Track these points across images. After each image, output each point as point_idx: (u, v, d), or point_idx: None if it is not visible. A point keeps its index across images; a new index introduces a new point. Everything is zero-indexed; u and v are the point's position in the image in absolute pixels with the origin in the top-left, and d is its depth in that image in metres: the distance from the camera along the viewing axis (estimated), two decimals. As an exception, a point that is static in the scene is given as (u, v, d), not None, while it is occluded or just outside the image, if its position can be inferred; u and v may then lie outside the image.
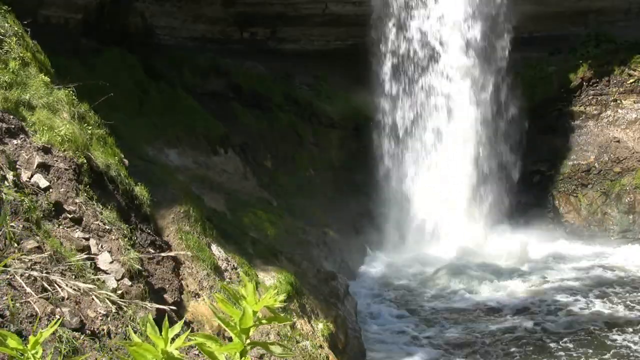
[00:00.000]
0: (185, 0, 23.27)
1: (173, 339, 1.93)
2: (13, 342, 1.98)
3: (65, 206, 7.52)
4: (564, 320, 16.59)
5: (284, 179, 21.79)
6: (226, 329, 1.96)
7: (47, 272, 5.94)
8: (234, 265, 11.84)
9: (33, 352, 2.00)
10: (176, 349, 1.90)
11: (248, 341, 1.94)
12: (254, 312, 1.93)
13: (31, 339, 2.02)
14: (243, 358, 1.93)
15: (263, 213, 17.64)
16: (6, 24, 9.87)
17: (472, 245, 21.34)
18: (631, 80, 24.08)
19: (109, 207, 8.34)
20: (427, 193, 22.95)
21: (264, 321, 1.96)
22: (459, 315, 16.93)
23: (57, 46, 15.45)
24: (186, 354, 5.91)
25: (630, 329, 15.89)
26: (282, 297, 2.00)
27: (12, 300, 5.35)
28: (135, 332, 6.38)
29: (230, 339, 1.96)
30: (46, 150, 7.90)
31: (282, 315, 2.00)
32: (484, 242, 21.68)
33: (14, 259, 5.74)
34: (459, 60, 22.99)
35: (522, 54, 23.59)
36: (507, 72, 23.44)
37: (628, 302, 17.62)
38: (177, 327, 1.94)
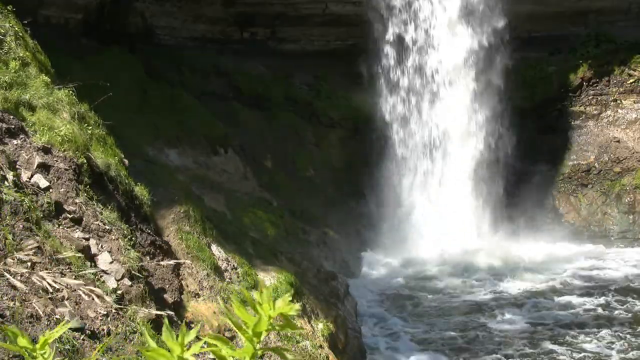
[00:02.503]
0: (185, 0, 23.26)
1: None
2: (23, 341, 2.00)
3: (65, 206, 7.52)
4: (563, 320, 16.59)
5: (284, 179, 21.79)
6: (238, 332, 1.96)
7: (47, 272, 5.94)
8: (234, 266, 11.85)
9: (42, 352, 2.02)
10: (191, 355, 1.90)
11: (259, 346, 1.95)
12: (269, 318, 1.94)
13: (41, 339, 2.04)
14: None
15: (263, 213, 17.64)
16: (6, 24, 9.87)
17: (471, 246, 21.33)
18: (631, 80, 24.07)
19: (109, 207, 8.34)
20: (427, 193, 22.97)
21: (277, 327, 1.97)
22: (458, 316, 16.93)
23: (57, 46, 15.46)
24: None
25: (631, 329, 15.88)
26: (297, 306, 2.01)
27: (12, 300, 5.35)
28: (134, 333, 6.39)
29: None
30: (46, 150, 7.90)
31: (294, 323, 2.01)
32: (484, 243, 21.67)
33: (14, 259, 5.74)
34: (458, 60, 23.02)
35: (522, 54, 23.59)
36: (509, 72, 23.46)
37: (628, 303, 17.61)
38: (193, 333, 1.94)
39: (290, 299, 2.02)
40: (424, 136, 23.31)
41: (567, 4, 24.59)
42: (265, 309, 1.94)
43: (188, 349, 1.90)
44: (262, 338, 1.94)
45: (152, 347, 1.88)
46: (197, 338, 1.95)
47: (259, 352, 1.95)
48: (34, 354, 2.01)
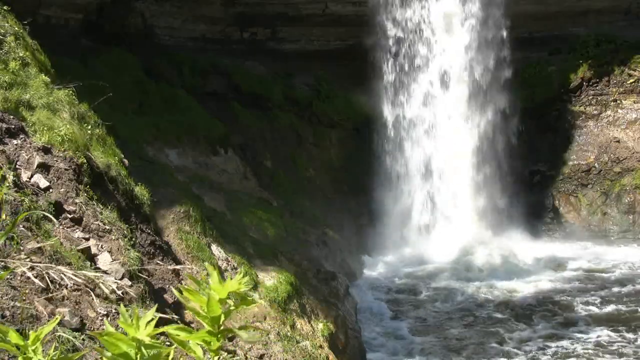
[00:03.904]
0: (185, 0, 23.25)
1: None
2: (14, 337, 1.99)
3: (65, 206, 7.52)
4: (563, 321, 16.59)
5: (284, 179, 21.79)
6: (197, 317, 1.97)
7: (47, 272, 5.94)
8: (234, 265, 11.85)
9: (33, 347, 2.01)
10: (147, 335, 1.90)
11: (220, 329, 1.95)
12: (221, 300, 1.94)
13: (32, 334, 2.03)
14: (217, 343, 1.94)
15: (263, 213, 17.64)
16: (6, 24, 9.87)
17: (471, 246, 21.33)
18: (631, 80, 24.08)
19: (109, 207, 8.33)
20: (427, 193, 22.97)
21: (232, 308, 1.96)
22: (458, 316, 16.93)
23: (57, 46, 15.46)
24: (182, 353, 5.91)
25: (631, 329, 15.88)
26: (246, 279, 2.01)
27: (12, 300, 5.35)
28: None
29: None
30: (46, 150, 7.90)
31: (250, 299, 2.01)
32: (484, 243, 21.66)
33: (14, 259, 5.74)
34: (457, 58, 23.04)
35: (522, 54, 23.59)
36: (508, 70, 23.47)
37: (628, 303, 17.62)
38: (150, 314, 1.94)
39: (243, 275, 2.02)
40: (423, 136, 23.30)
41: (567, 4, 24.60)
42: (215, 288, 1.94)
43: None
44: (221, 321, 1.94)
45: (108, 331, 1.88)
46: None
47: (220, 336, 1.94)
48: (26, 350, 2.01)
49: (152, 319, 1.92)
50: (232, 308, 1.95)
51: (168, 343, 1.98)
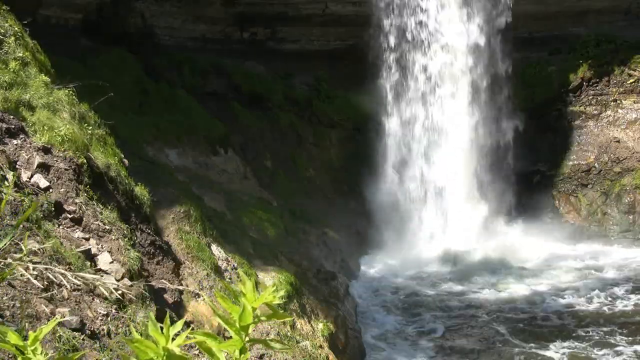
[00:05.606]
0: (185, 0, 23.26)
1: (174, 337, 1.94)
2: (13, 337, 2.00)
3: (65, 206, 7.51)
4: (564, 321, 16.58)
5: (284, 179, 21.79)
6: (226, 326, 1.96)
7: (47, 272, 5.94)
8: (234, 265, 11.85)
9: (32, 348, 2.02)
10: (177, 346, 1.91)
11: (247, 338, 1.95)
12: (253, 309, 1.94)
13: (31, 334, 2.04)
14: (242, 355, 1.94)
15: (263, 213, 17.64)
16: (6, 24, 9.87)
17: (471, 246, 21.31)
18: (631, 80, 24.07)
19: (109, 207, 8.33)
20: (427, 193, 22.97)
21: (263, 318, 1.96)
22: (458, 316, 16.92)
23: (57, 46, 15.46)
24: (187, 352, 5.90)
25: (630, 329, 15.87)
26: (281, 293, 2.01)
27: (12, 300, 5.35)
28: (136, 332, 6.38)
29: (230, 339, 1.97)
30: (46, 150, 7.90)
31: (281, 312, 2.00)
32: (484, 243, 21.65)
33: (14, 259, 5.73)
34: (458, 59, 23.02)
35: (522, 54, 23.58)
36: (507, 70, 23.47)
37: (628, 303, 17.61)
38: (179, 325, 1.95)
39: (275, 289, 2.02)
40: (423, 136, 23.29)
41: (567, 4, 24.60)
42: (249, 299, 1.94)
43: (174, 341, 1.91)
44: (250, 331, 1.94)
45: (137, 338, 1.89)
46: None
47: (247, 345, 1.94)
48: (25, 351, 2.01)
49: (182, 330, 1.94)
50: (263, 319, 1.95)
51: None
